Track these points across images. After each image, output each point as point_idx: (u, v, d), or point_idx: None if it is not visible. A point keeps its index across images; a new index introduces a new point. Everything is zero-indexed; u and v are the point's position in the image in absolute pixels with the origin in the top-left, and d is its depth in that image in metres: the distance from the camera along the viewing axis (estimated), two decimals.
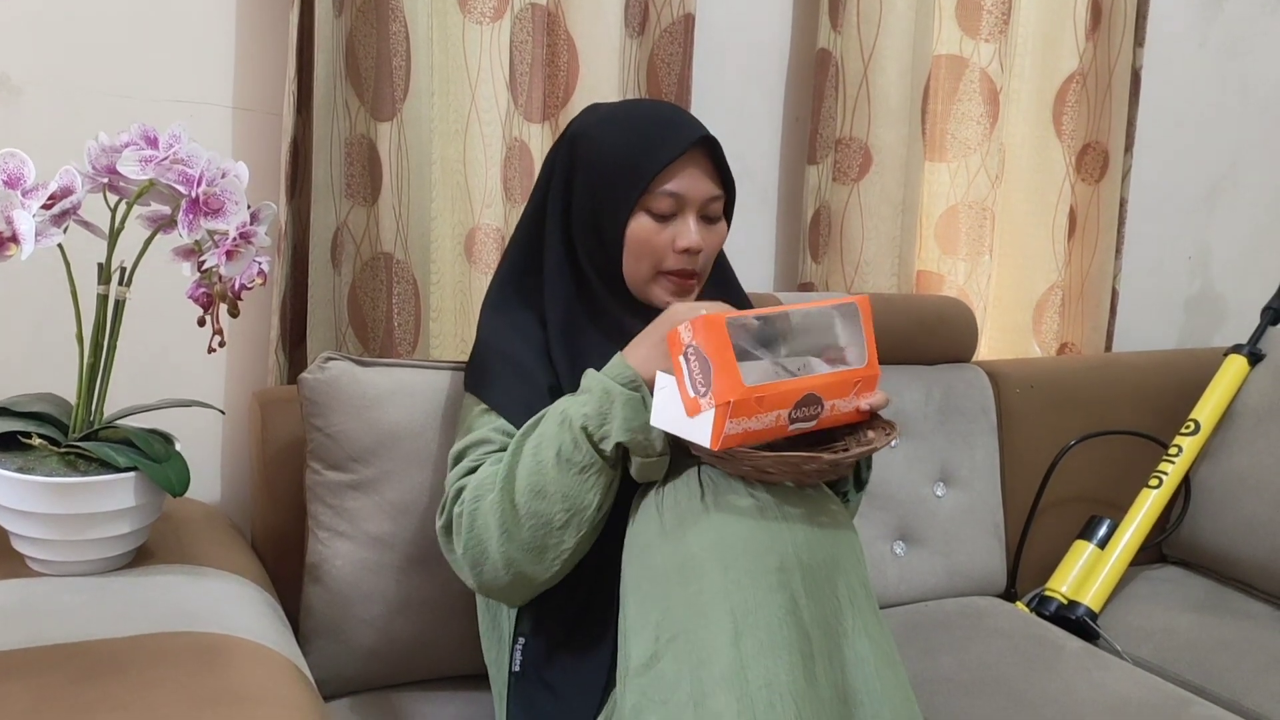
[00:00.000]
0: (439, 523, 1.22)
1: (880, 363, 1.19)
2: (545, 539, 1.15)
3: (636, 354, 1.15)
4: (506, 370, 1.26)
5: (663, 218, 1.24)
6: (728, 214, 1.30)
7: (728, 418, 1.04)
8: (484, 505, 1.16)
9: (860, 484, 1.30)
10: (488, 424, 1.24)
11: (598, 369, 1.21)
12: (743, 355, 1.09)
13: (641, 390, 1.13)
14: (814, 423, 1.12)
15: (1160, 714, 1.43)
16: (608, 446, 1.12)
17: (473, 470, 1.21)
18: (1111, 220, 2.12)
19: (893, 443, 1.16)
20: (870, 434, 1.18)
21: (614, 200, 1.24)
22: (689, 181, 1.24)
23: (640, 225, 1.24)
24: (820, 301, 1.16)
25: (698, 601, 1.06)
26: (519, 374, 1.25)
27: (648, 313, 1.27)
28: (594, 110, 1.31)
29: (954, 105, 2.01)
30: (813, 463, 1.08)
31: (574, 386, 1.21)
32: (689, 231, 1.24)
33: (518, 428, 1.21)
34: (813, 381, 1.12)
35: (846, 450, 1.17)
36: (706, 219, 1.26)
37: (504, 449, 1.21)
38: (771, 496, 1.09)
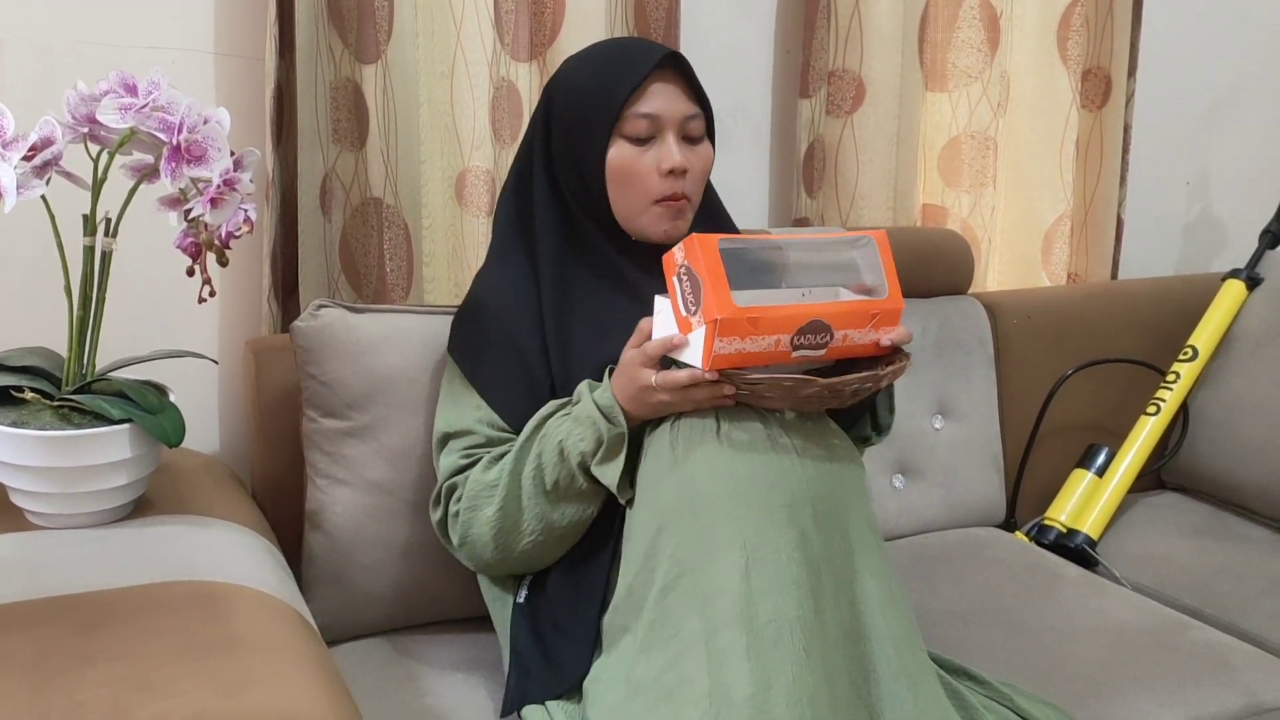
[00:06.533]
0: (434, 515, 1.27)
1: None
2: (543, 548, 1.20)
3: (620, 383, 1.15)
4: (492, 340, 1.27)
5: (640, 141, 1.22)
6: (711, 136, 1.28)
7: (716, 336, 1.04)
8: (480, 517, 1.20)
9: (879, 428, 1.29)
10: (470, 410, 1.26)
11: (589, 313, 1.22)
12: (755, 283, 1.08)
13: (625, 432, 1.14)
14: (823, 351, 1.10)
15: (1159, 638, 1.45)
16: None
17: (461, 469, 1.24)
18: (1115, 147, 2.09)
19: (907, 369, 1.14)
20: (889, 369, 1.14)
21: (589, 134, 1.22)
22: (662, 100, 1.22)
23: (619, 154, 1.22)
24: (836, 233, 1.15)
25: (707, 537, 1.06)
26: (504, 342, 1.26)
27: (636, 249, 1.27)
28: (564, 62, 1.31)
29: (954, 33, 1.98)
30: (809, 388, 1.07)
31: (561, 339, 1.24)
32: (671, 152, 1.22)
33: (503, 419, 1.24)
34: (820, 308, 1.09)
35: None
36: (688, 139, 1.24)
37: (490, 444, 1.24)
38: (784, 432, 1.10)
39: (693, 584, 1.06)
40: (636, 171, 1.22)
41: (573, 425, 1.15)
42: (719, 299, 1.04)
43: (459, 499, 1.22)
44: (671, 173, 1.22)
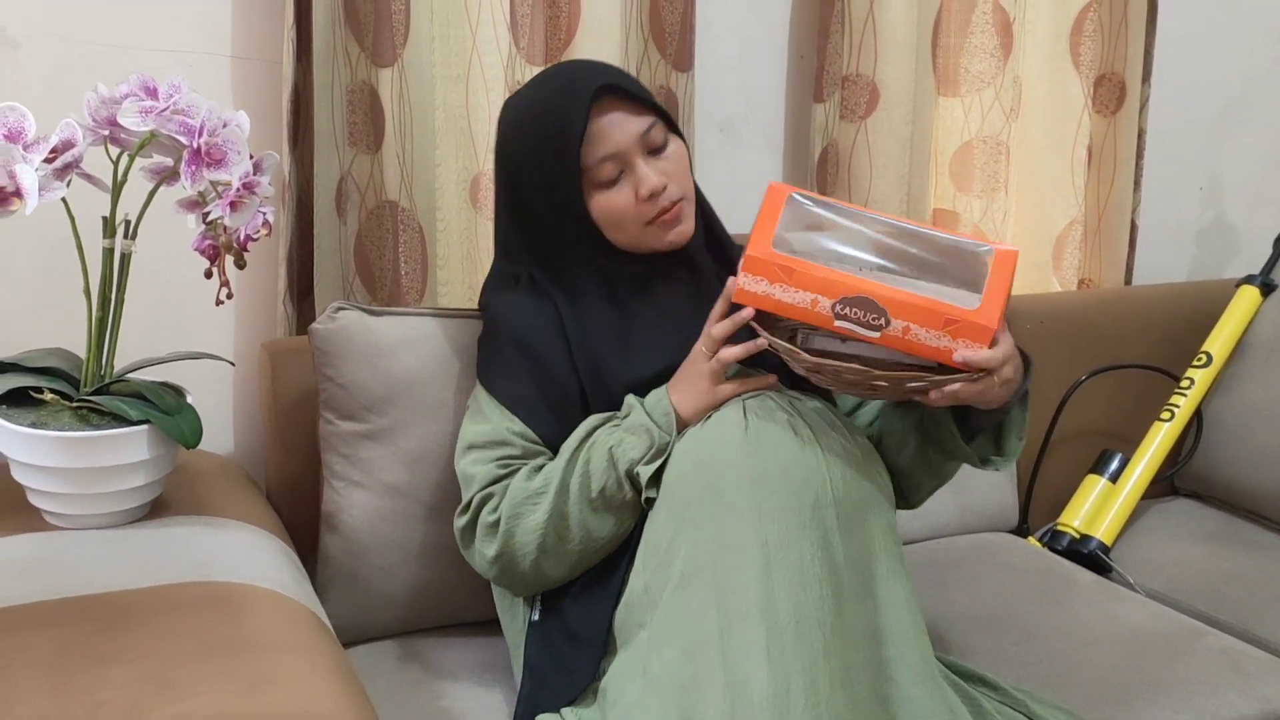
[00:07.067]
0: (460, 521, 1.24)
1: None
2: (585, 557, 1.20)
3: (678, 391, 1.18)
4: (519, 363, 1.26)
5: (614, 181, 1.22)
6: (675, 130, 1.27)
7: (743, 270, 1.11)
8: (524, 524, 1.18)
9: (1003, 452, 1.22)
10: (501, 421, 1.24)
11: (611, 332, 1.23)
12: (825, 248, 1.12)
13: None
14: (876, 334, 1.08)
15: (1173, 644, 1.44)
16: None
17: (497, 479, 1.22)
18: (1129, 152, 2.08)
19: (950, 392, 1.09)
20: (955, 386, 1.07)
21: (565, 197, 1.23)
22: (613, 135, 1.21)
23: (600, 201, 1.23)
24: (959, 233, 1.17)
25: (727, 533, 1.07)
26: (531, 365, 1.25)
27: (633, 262, 1.27)
28: (505, 110, 1.30)
29: (967, 38, 1.98)
30: (801, 363, 1.10)
31: (585, 357, 1.24)
32: (645, 177, 1.21)
33: (534, 430, 1.23)
34: (873, 287, 1.08)
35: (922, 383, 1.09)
36: (653, 152, 1.23)
37: (525, 455, 1.23)
38: (812, 434, 1.10)
39: (710, 579, 1.06)
40: (620, 210, 1.22)
41: (624, 434, 1.17)
42: (759, 240, 1.11)
43: (495, 509, 1.20)
44: (652, 195, 1.21)
